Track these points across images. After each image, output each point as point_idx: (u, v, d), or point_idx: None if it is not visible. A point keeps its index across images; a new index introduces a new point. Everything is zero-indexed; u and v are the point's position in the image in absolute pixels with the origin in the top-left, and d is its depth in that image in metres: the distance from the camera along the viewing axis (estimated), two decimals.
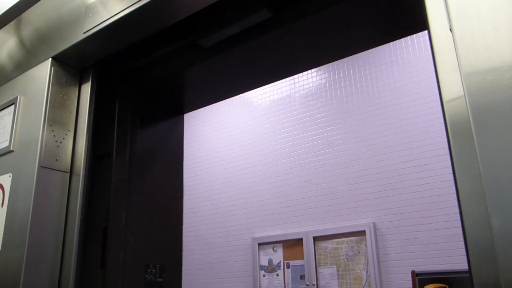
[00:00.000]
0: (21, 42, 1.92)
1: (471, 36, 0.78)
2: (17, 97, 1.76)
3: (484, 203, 0.77)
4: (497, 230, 0.73)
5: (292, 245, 5.55)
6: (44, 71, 1.72)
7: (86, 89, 1.73)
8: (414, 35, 5.16)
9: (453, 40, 0.82)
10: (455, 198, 0.85)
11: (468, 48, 0.79)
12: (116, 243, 1.65)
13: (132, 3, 1.44)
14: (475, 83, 0.78)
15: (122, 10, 1.47)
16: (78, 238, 1.54)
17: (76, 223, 1.54)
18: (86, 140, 1.63)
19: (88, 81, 1.72)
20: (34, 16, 1.90)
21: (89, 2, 1.63)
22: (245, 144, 6.24)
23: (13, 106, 1.76)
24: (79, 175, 1.63)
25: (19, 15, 1.82)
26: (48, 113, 1.64)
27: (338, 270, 5.17)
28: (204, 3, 1.43)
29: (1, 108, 1.82)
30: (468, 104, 0.79)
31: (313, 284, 5.17)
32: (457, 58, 0.82)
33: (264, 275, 5.58)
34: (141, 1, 1.42)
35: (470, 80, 0.79)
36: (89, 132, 1.65)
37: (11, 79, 1.87)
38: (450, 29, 0.79)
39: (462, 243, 0.82)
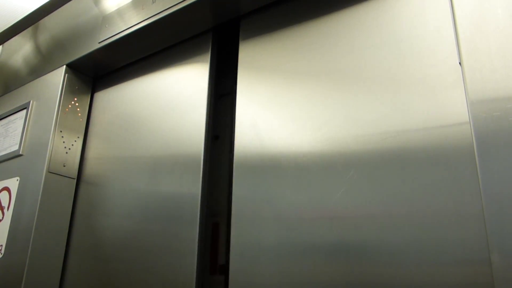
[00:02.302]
0: (37, 48, 1.96)
1: (480, 71, 0.79)
2: (29, 102, 1.78)
3: (484, 234, 0.77)
4: (497, 265, 0.73)
5: None
6: (58, 77, 1.74)
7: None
8: None
9: (462, 73, 0.83)
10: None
11: (477, 81, 0.80)
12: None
13: (148, 17, 1.47)
14: (481, 112, 0.78)
15: (139, 22, 1.50)
16: (199, 237, 1.25)
17: (198, 216, 1.27)
18: (205, 120, 1.37)
19: (205, 52, 1.48)
20: (52, 23, 1.93)
21: (106, 12, 1.66)
22: None
23: (25, 111, 1.79)
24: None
25: (37, 21, 1.85)
26: (59, 119, 1.67)
27: None
28: (219, 20, 1.46)
29: (13, 112, 1.85)
30: (473, 131, 0.79)
31: None
32: (464, 89, 0.82)
33: None
34: (157, 15, 1.44)
35: (476, 108, 0.79)
36: (209, 111, 1.39)
37: (25, 84, 1.90)
38: (460, 63, 0.80)
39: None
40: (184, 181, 1.34)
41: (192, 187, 1.31)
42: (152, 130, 1.51)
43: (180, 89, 1.48)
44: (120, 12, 1.59)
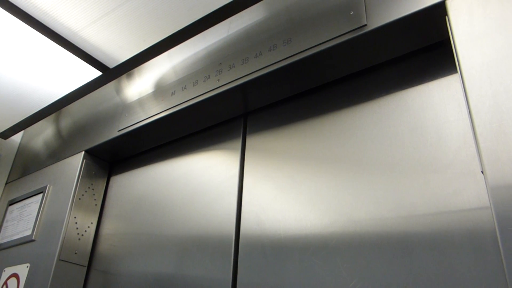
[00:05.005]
0: (58, 133, 2.00)
1: (503, 179, 0.78)
2: (46, 186, 1.79)
3: None
4: None
5: None
6: (76, 162, 1.76)
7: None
8: None
9: (485, 181, 0.82)
10: None
11: (501, 189, 0.79)
12: None
13: (167, 108, 1.50)
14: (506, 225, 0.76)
15: (158, 113, 1.53)
16: None
17: None
18: (236, 208, 1.34)
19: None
20: (74, 110, 1.99)
21: (127, 102, 1.70)
22: None
23: (41, 195, 1.79)
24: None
25: (60, 108, 1.91)
26: (74, 204, 1.66)
27: None
28: (242, 110, 1.49)
29: (30, 195, 1.85)
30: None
31: None
32: (488, 197, 0.81)
33: None
34: (176, 107, 1.48)
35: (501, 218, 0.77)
36: (239, 200, 1.35)
37: (43, 168, 1.93)
38: (482, 172, 0.79)
39: None
40: (214, 270, 1.28)
41: (222, 275, 1.25)
42: (178, 215, 1.47)
43: (209, 175, 1.47)
44: (140, 102, 1.64)
